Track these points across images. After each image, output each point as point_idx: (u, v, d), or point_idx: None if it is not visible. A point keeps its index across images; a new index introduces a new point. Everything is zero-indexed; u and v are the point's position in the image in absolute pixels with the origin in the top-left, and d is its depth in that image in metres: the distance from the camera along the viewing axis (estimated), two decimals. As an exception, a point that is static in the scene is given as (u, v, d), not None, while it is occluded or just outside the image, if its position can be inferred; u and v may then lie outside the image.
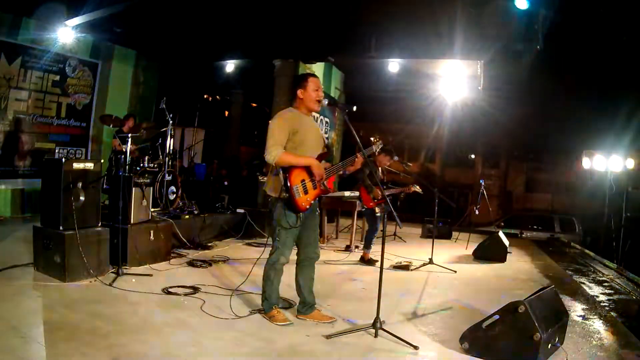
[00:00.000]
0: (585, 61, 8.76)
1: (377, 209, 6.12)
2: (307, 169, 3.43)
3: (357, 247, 6.97)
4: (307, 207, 3.44)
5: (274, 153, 3.30)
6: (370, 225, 6.25)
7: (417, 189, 6.60)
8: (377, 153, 3.88)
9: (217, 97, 14.55)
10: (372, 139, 3.82)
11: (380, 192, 5.78)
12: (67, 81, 8.04)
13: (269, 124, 3.47)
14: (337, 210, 8.14)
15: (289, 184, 3.32)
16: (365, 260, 6.13)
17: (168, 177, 6.60)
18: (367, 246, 6.17)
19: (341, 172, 3.77)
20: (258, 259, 3.92)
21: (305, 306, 3.70)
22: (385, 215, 5.92)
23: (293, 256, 3.67)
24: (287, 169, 3.35)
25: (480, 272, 6.10)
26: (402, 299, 4.49)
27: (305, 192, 3.42)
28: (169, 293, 4.09)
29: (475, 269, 6.31)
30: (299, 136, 3.43)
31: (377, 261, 6.07)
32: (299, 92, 3.53)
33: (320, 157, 3.54)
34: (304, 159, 3.42)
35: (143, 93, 9.75)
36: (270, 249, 3.57)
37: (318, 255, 3.75)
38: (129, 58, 9.36)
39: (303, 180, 3.41)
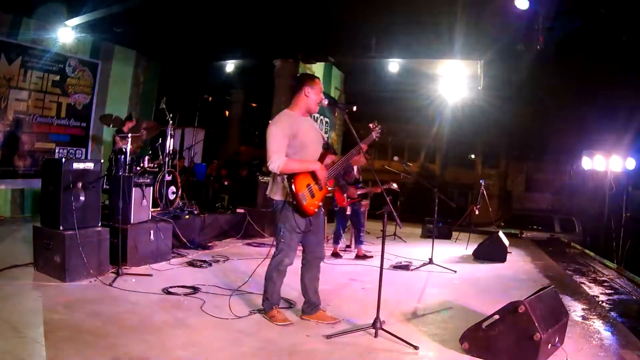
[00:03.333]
0: (585, 61, 8.75)
1: (348, 208, 6.39)
2: (312, 173, 3.41)
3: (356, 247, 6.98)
4: (316, 210, 3.42)
5: (277, 162, 3.26)
6: (337, 222, 6.56)
7: (394, 186, 6.55)
8: (376, 138, 3.84)
9: (217, 97, 14.54)
10: (370, 125, 3.76)
11: (354, 192, 6.24)
12: (67, 81, 8.04)
13: (267, 131, 3.40)
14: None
15: (294, 191, 3.28)
16: (333, 254, 6.40)
17: (168, 177, 6.60)
18: (336, 241, 6.53)
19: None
20: (264, 259, 3.87)
21: (310, 306, 3.69)
22: (360, 214, 6.05)
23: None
24: (291, 176, 3.31)
25: (480, 272, 6.10)
26: (402, 299, 4.49)
27: (312, 195, 3.39)
28: (169, 293, 4.08)
29: (475, 269, 6.31)
30: (299, 139, 3.40)
31: (342, 257, 6.44)
32: (307, 90, 3.46)
33: (321, 158, 3.52)
34: (307, 164, 3.39)
35: (143, 93, 9.75)
36: (275, 250, 3.55)
37: (324, 255, 3.75)
38: (129, 58, 9.36)
39: (309, 185, 3.38)
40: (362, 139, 3.63)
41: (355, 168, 6.37)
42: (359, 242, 6.47)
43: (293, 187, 3.28)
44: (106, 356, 2.75)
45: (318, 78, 3.60)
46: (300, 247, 3.68)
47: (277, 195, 3.47)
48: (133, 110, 8.90)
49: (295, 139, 3.39)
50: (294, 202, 3.31)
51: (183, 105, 9.04)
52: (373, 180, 6.53)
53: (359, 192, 6.42)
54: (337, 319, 3.67)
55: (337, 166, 3.62)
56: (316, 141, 3.58)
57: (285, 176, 3.32)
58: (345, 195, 6.24)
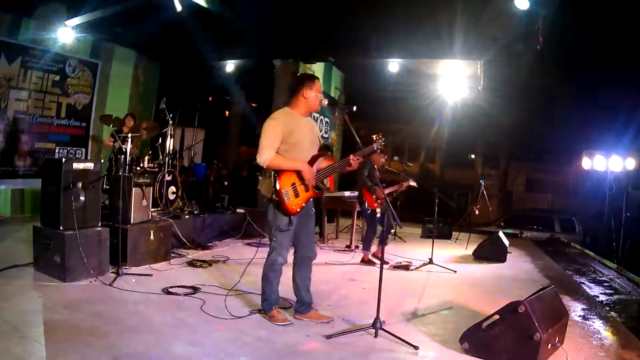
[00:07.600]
0: (585, 61, 8.76)
1: (377, 210, 6.09)
2: (298, 172, 3.42)
3: (357, 247, 6.97)
4: (299, 210, 3.41)
5: (265, 156, 3.30)
6: (369, 226, 6.23)
7: (413, 183, 6.56)
8: (377, 151, 3.80)
9: (217, 97, 14.53)
10: (373, 136, 3.73)
11: (382, 192, 5.76)
12: (67, 81, 8.04)
13: (263, 125, 3.43)
14: (337, 210, 8.14)
15: (278, 188, 3.31)
16: (365, 261, 6.11)
17: (168, 177, 6.59)
18: (367, 247, 6.13)
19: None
20: (251, 259, 3.92)
21: (303, 305, 3.69)
22: (387, 215, 5.97)
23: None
24: (278, 172, 3.34)
25: (480, 272, 6.10)
26: (402, 299, 4.49)
27: (296, 195, 3.39)
28: (169, 293, 4.09)
29: (475, 269, 6.30)
30: (293, 138, 3.40)
31: (376, 263, 6.06)
32: (305, 91, 3.48)
33: (313, 159, 3.50)
34: (294, 162, 3.39)
35: (143, 93, 9.75)
36: (268, 250, 3.56)
37: (315, 253, 3.74)
38: (129, 58, 9.36)
39: (294, 184, 3.39)
40: (362, 139, 3.60)
41: (376, 168, 6.15)
42: (367, 247, 6.13)
43: (277, 183, 3.32)
44: (106, 356, 2.74)
45: (317, 78, 3.58)
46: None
47: (264, 191, 3.49)
48: (133, 110, 8.90)
49: (290, 137, 3.39)
50: (276, 199, 3.33)
51: (183, 105, 9.04)
52: (390, 180, 6.49)
53: (388, 191, 6.13)
54: (331, 317, 3.67)
55: (326, 172, 3.61)
56: (311, 143, 3.57)
57: (273, 172, 3.35)
58: (374, 196, 5.95)
